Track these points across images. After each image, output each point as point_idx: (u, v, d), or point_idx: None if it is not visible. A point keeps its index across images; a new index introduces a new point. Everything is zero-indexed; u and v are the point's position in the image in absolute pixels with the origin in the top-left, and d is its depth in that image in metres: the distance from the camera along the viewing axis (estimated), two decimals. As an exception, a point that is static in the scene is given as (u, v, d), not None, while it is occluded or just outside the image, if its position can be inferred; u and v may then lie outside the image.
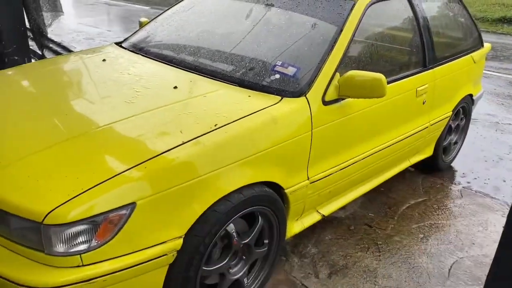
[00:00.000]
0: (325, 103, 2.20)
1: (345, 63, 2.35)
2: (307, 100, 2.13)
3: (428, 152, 3.45)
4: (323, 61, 2.25)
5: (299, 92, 2.15)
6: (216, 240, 1.82)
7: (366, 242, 2.73)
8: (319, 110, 2.16)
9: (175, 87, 2.15)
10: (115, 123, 1.83)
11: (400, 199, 3.28)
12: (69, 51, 6.93)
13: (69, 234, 1.47)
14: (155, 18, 3.10)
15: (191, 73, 2.32)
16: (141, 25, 3.20)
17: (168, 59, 2.49)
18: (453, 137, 3.77)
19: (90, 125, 1.82)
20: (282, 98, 2.10)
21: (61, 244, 1.47)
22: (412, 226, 2.94)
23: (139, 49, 2.70)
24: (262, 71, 2.28)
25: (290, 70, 2.25)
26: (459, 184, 3.58)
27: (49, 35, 7.32)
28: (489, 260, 2.62)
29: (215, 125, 1.84)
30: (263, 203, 1.96)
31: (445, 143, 3.64)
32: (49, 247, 1.47)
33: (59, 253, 1.48)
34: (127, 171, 1.57)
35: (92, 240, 1.50)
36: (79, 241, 1.49)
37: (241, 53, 2.43)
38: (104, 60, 2.53)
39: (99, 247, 1.51)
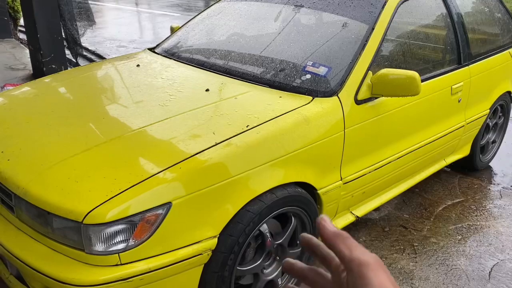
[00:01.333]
0: (358, 102, 2.17)
1: (378, 62, 2.32)
2: (339, 100, 2.12)
3: (464, 152, 3.36)
4: (355, 60, 2.23)
5: (331, 92, 2.14)
6: (250, 240, 1.83)
7: (402, 243, 2.68)
8: (352, 110, 2.14)
9: (207, 90, 2.18)
10: (149, 126, 1.87)
11: (436, 200, 3.20)
12: (103, 58, 7.15)
13: (107, 233, 1.51)
14: (185, 23, 3.15)
15: (222, 76, 2.35)
16: (173, 30, 3.26)
17: (200, 63, 2.52)
18: (491, 136, 3.65)
19: (126, 128, 1.87)
20: (313, 98, 2.09)
21: (100, 243, 1.51)
22: (449, 228, 2.86)
23: (171, 54, 2.75)
24: (293, 72, 2.28)
25: (322, 70, 2.24)
26: (498, 184, 3.47)
27: (83, 44, 7.56)
28: None
29: (247, 126, 1.85)
30: (296, 204, 1.96)
31: (482, 142, 3.53)
32: (89, 246, 1.51)
33: (98, 252, 1.52)
34: (162, 172, 1.60)
35: (129, 239, 1.54)
36: (117, 241, 1.53)
37: (271, 55, 2.44)
38: (138, 65, 2.59)
39: (136, 246, 1.54)
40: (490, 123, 3.55)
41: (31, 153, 1.81)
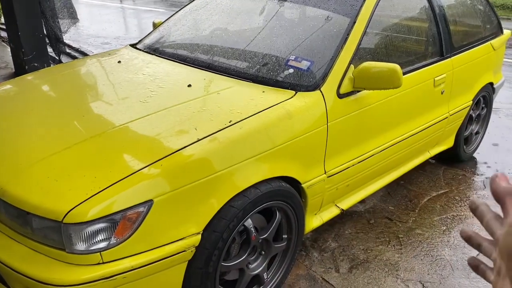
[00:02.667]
0: (340, 96, 2.18)
1: (360, 56, 2.32)
2: (322, 94, 2.12)
3: (448, 143, 3.39)
4: (336, 53, 2.23)
5: (313, 86, 2.14)
6: (234, 235, 1.82)
7: (387, 235, 2.70)
8: (334, 103, 2.15)
9: (189, 86, 2.17)
10: (130, 122, 1.86)
11: (421, 192, 3.23)
12: (86, 55, 7.07)
13: (88, 232, 1.49)
14: (168, 18, 3.12)
15: (205, 71, 2.33)
16: (155, 26, 3.23)
17: (182, 58, 2.50)
18: (474, 127, 3.69)
19: (107, 125, 1.85)
20: (296, 93, 2.09)
21: (81, 243, 1.50)
22: (434, 219, 2.89)
23: (153, 50, 2.72)
24: (276, 66, 2.27)
25: (304, 64, 2.24)
26: (482, 175, 3.51)
27: (66, 41, 7.46)
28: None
29: (229, 122, 1.84)
30: (280, 198, 1.96)
31: (466, 134, 3.56)
32: (69, 245, 1.50)
33: (79, 251, 1.50)
34: (143, 169, 1.59)
35: (111, 238, 1.52)
36: (98, 239, 1.51)
37: (254, 49, 2.43)
38: (119, 61, 2.56)
39: (118, 244, 1.53)
40: (474, 115, 3.58)
41: (10, 153, 1.78)
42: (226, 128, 1.81)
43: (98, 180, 1.55)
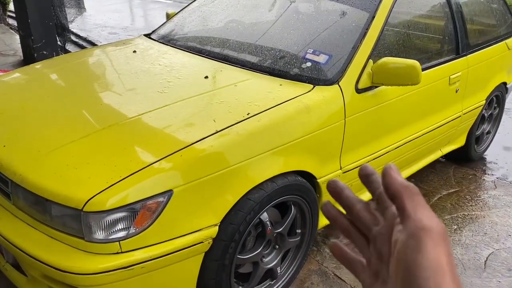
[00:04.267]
0: (358, 91, 2.16)
1: (377, 51, 2.30)
2: (340, 88, 2.10)
3: (460, 142, 3.37)
4: (355, 48, 2.21)
5: (332, 80, 2.12)
6: (250, 228, 1.81)
7: (398, 233, 2.69)
8: (352, 98, 2.13)
9: (206, 77, 2.15)
10: (149, 112, 1.84)
11: (431, 190, 3.21)
12: (94, 45, 7.05)
13: (108, 221, 1.48)
14: (182, 9, 3.10)
15: (221, 63, 2.31)
16: (169, 17, 3.21)
17: (197, 50, 2.48)
18: (485, 127, 3.67)
19: (124, 115, 1.84)
20: (314, 86, 2.07)
21: (101, 231, 1.49)
22: (445, 217, 2.87)
23: (168, 41, 2.70)
24: (293, 60, 2.26)
25: (322, 58, 2.22)
26: (492, 175, 3.49)
27: (74, 30, 7.44)
28: None
29: (247, 114, 1.83)
30: (296, 193, 1.95)
31: (477, 133, 3.54)
32: (89, 234, 1.49)
33: (98, 240, 1.50)
34: (163, 160, 1.58)
35: (130, 227, 1.51)
36: (118, 228, 1.51)
37: (270, 42, 2.41)
38: (134, 51, 2.55)
39: (137, 234, 1.52)
40: (486, 114, 3.56)
41: (27, 139, 1.77)
42: (245, 121, 1.80)
43: (119, 169, 1.54)
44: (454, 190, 3.23)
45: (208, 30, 2.75)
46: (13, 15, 6.67)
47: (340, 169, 2.18)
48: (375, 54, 2.27)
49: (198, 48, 2.51)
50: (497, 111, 3.73)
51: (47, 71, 2.45)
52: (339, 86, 2.10)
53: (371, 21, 2.30)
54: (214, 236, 1.68)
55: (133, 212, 1.50)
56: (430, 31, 2.87)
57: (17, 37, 6.64)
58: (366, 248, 0.43)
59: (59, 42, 6.19)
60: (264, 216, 1.87)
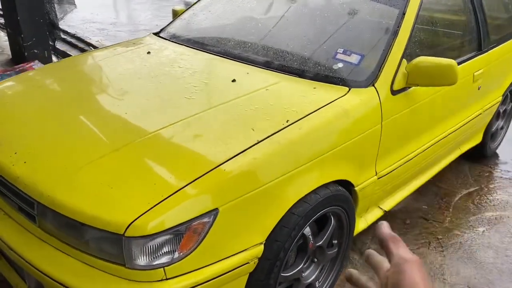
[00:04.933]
0: (393, 92, 2.05)
1: (408, 50, 2.19)
2: (376, 90, 1.99)
3: (477, 139, 3.31)
4: (388, 46, 2.10)
5: (367, 82, 2.01)
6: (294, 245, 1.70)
7: (426, 236, 2.61)
8: (388, 100, 2.02)
9: (234, 81, 2.01)
10: (182, 121, 1.70)
11: (451, 189, 3.14)
12: (83, 42, 6.79)
13: (152, 246, 1.35)
14: (192, 5, 2.95)
15: (246, 65, 2.18)
16: (176, 14, 3.05)
17: (217, 51, 2.34)
18: (500, 123, 3.61)
19: (157, 124, 1.69)
20: (350, 89, 1.96)
21: (143, 257, 1.35)
22: (469, 219, 2.80)
23: (182, 40, 2.55)
24: (323, 60, 2.13)
25: (354, 58, 2.10)
26: (508, 172, 3.44)
27: (62, 27, 7.17)
28: None
29: (287, 121, 1.71)
30: (337, 203, 1.84)
31: (493, 129, 3.49)
32: (130, 260, 1.35)
33: (141, 266, 1.36)
34: (206, 175, 1.44)
35: (175, 251, 1.38)
36: (161, 253, 1.37)
37: (297, 41, 2.28)
38: (148, 52, 2.39)
39: (182, 258, 1.39)
40: (501, 110, 3.50)
41: (49, 154, 1.61)
42: (285, 129, 1.68)
43: (159, 187, 1.40)
44: (474, 189, 3.17)
45: (225, 28, 2.60)
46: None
47: (376, 175, 2.08)
48: (406, 53, 2.17)
49: (217, 48, 2.36)
50: (510, 106, 3.68)
51: (58, 76, 2.28)
52: (375, 88, 1.99)
53: (402, 18, 2.19)
54: (260, 255, 1.56)
55: (178, 235, 1.37)
56: (454, 27, 2.78)
57: (2, 34, 6.36)
58: None
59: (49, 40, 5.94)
60: (307, 230, 1.75)
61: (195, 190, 1.40)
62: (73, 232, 1.42)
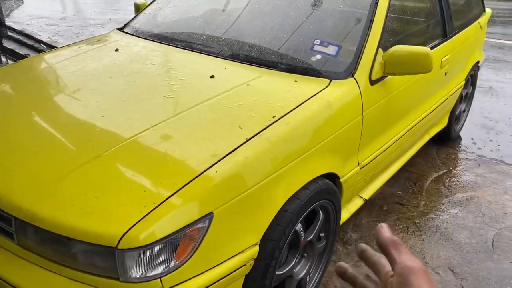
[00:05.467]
0: (372, 82, 2.06)
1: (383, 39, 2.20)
2: (356, 81, 1.98)
3: (444, 123, 3.41)
4: (364, 36, 2.10)
5: (347, 73, 1.99)
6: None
7: (404, 221, 2.66)
8: (367, 91, 2.02)
9: (212, 77, 1.95)
10: (164, 122, 1.62)
11: (422, 173, 3.22)
12: (33, 39, 6.45)
13: (147, 257, 1.28)
14: (156, -1, 2.83)
15: (222, 60, 2.11)
16: (139, 8, 2.92)
17: (190, 45, 2.26)
18: (462, 106, 3.74)
19: (138, 126, 1.60)
20: (330, 81, 1.94)
21: (138, 269, 1.28)
22: (442, 201, 2.89)
23: (151, 35, 2.44)
24: (301, 52, 2.10)
25: (332, 49, 2.08)
26: (472, 152, 3.57)
27: (8, 24, 6.78)
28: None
29: (273, 117, 1.67)
30: (325, 197, 1.82)
31: (457, 112, 3.60)
32: (124, 273, 1.28)
33: (136, 279, 1.29)
34: (197, 178, 1.38)
35: (171, 260, 1.32)
36: (157, 263, 1.30)
37: (274, 34, 2.23)
38: (117, 49, 2.27)
39: (179, 267, 1.33)
40: (463, 93, 3.62)
41: (23, 166, 1.49)
42: (273, 125, 1.64)
43: (149, 194, 1.33)
44: (443, 171, 3.26)
45: (196, 22, 2.51)
46: None
47: (358, 165, 2.08)
48: (381, 42, 2.17)
49: (190, 43, 2.28)
50: (471, 89, 3.81)
51: (19, 79, 2.13)
52: (355, 78, 1.98)
53: (375, 7, 2.19)
54: (255, 256, 1.52)
55: (173, 243, 1.31)
56: (422, 15, 2.83)
57: None
58: None
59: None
60: (298, 226, 1.73)
61: (188, 195, 1.34)
62: (58, 247, 1.32)
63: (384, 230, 0.52)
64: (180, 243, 1.32)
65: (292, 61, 2.06)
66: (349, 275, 0.56)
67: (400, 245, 0.50)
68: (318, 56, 2.07)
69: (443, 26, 2.88)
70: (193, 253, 1.35)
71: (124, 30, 2.63)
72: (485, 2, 3.80)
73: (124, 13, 8.47)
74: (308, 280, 1.96)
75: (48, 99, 1.88)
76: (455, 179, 3.16)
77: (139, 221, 1.26)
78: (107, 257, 1.27)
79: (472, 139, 3.80)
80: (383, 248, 0.51)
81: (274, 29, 2.27)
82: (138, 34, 2.51)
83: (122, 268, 1.27)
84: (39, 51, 5.79)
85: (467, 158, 3.48)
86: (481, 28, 3.55)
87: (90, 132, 1.60)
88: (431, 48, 2.68)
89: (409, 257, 0.48)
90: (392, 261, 0.49)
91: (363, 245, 0.56)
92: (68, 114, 1.74)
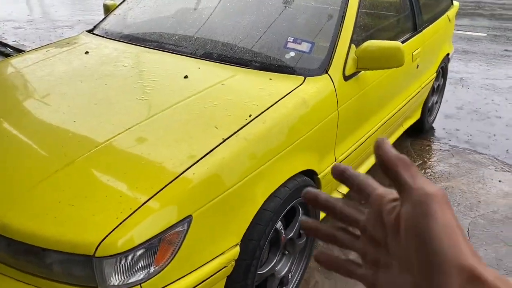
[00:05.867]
0: (346, 78, 2.07)
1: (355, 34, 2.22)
2: (330, 77, 1.99)
3: (417, 116, 3.46)
4: (337, 32, 2.11)
5: (321, 69, 2.00)
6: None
7: (382, 214, 2.69)
8: (342, 86, 2.04)
9: (186, 77, 1.92)
10: (139, 125, 1.59)
11: (397, 166, 3.27)
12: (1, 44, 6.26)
13: (126, 263, 1.25)
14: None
15: (196, 59, 2.09)
16: (109, 8, 2.87)
17: (162, 46, 2.22)
18: (434, 98, 3.81)
19: (111, 130, 1.56)
20: (305, 78, 1.94)
21: (117, 276, 1.26)
22: (418, 192, 2.93)
23: (121, 37, 2.40)
24: (275, 50, 2.10)
25: (305, 46, 2.09)
26: (446, 143, 3.64)
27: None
28: (499, 216, 2.69)
29: (249, 116, 1.66)
30: (304, 193, 1.82)
31: (429, 104, 3.66)
32: (103, 281, 1.25)
33: (115, 286, 1.26)
34: (175, 180, 1.36)
35: (151, 266, 1.29)
36: (136, 269, 1.28)
37: (247, 32, 2.22)
38: (87, 52, 2.22)
39: (159, 272, 1.31)
40: (435, 86, 3.68)
41: (-8, 175, 1.45)
42: (249, 124, 1.63)
43: (126, 200, 1.30)
44: (418, 163, 3.32)
45: (167, 22, 2.48)
46: None
47: (335, 160, 2.10)
48: (353, 38, 2.19)
49: (161, 44, 2.24)
50: (442, 81, 3.89)
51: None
52: (329, 75, 1.99)
53: (346, 3, 2.20)
54: (236, 257, 1.51)
55: (152, 248, 1.29)
56: (392, 9, 2.86)
57: None
58: (356, 242, 0.43)
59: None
60: (278, 224, 1.73)
61: (165, 198, 1.32)
62: (33, 259, 1.28)
63: (386, 144, 0.40)
64: (159, 248, 1.30)
65: (266, 59, 2.06)
66: (323, 200, 0.45)
67: (411, 166, 0.39)
68: (292, 54, 2.07)
69: (413, 20, 2.93)
70: (173, 257, 1.33)
71: (94, 32, 2.57)
72: (452, -5, 3.88)
73: (93, 13, 8.32)
74: (290, 277, 1.97)
75: (16, 105, 1.82)
76: (430, 170, 3.21)
77: (116, 227, 1.24)
78: (84, 266, 1.24)
79: (445, 130, 3.88)
80: (389, 168, 0.39)
81: (247, 27, 2.26)
82: (108, 35, 2.46)
83: (100, 276, 1.24)
84: (6, 55, 5.64)
85: (440, 149, 3.55)
86: (449, 20, 3.62)
87: (62, 138, 1.56)
88: (403, 42, 2.72)
89: (426, 181, 0.38)
90: (402, 185, 0.38)
91: (341, 165, 0.45)
92: (39, 120, 1.69)
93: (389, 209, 0.39)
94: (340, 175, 0.44)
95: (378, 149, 0.40)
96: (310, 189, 0.45)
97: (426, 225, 0.34)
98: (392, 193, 0.40)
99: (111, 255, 1.22)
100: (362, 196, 0.43)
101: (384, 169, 0.39)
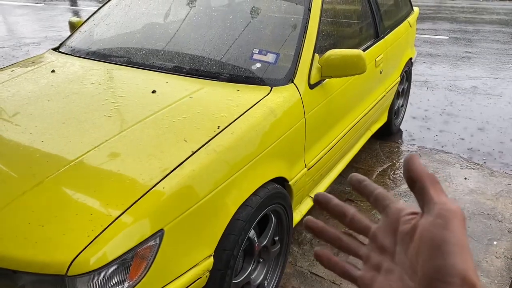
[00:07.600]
0: (311, 86, 2.13)
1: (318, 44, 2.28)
2: (296, 86, 2.05)
3: (384, 119, 3.56)
4: (300, 43, 2.17)
5: (286, 79, 2.05)
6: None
7: (354, 217, 2.75)
8: (307, 95, 2.09)
9: (154, 91, 1.94)
10: (107, 142, 1.60)
11: (368, 168, 3.35)
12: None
13: (99, 280, 1.26)
14: (92, 15, 2.78)
15: (163, 74, 2.11)
16: (74, 26, 2.86)
17: (129, 61, 2.24)
18: (400, 101, 3.92)
19: (80, 149, 1.57)
20: (271, 88, 1.99)
21: (91, 294, 1.26)
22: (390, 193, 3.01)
23: (88, 54, 2.40)
24: (242, 62, 2.14)
25: (270, 57, 2.14)
26: (413, 144, 3.76)
27: None
28: (465, 213, 2.79)
29: (218, 128, 1.69)
30: (276, 201, 1.86)
31: (395, 108, 3.77)
32: (77, 300, 1.25)
33: (89, 304, 1.26)
34: (145, 195, 1.38)
35: (124, 282, 1.30)
36: (110, 286, 1.29)
37: (212, 45, 2.26)
38: (53, 71, 2.21)
39: (133, 287, 1.32)
40: (400, 89, 3.80)
41: (-42, 199, 1.43)
42: (218, 135, 1.66)
43: (97, 217, 1.31)
44: (387, 165, 3.41)
45: (133, 37, 2.49)
46: None
47: (305, 167, 2.15)
48: (317, 47, 2.26)
49: (128, 59, 2.26)
50: (406, 85, 4.01)
51: None
52: (295, 84, 2.05)
53: (308, 14, 2.27)
54: (210, 267, 1.53)
55: (125, 264, 1.30)
56: (354, 17, 2.95)
57: None
58: (361, 249, 0.46)
59: None
60: (252, 233, 1.76)
61: (135, 214, 1.33)
62: (3, 281, 1.27)
63: (416, 161, 0.43)
64: (132, 263, 1.31)
65: (234, 71, 2.10)
66: (335, 205, 0.48)
67: (438, 183, 0.42)
68: (258, 65, 2.11)
69: (375, 27, 3.03)
70: (147, 272, 1.34)
71: (60, 50, 2.56)
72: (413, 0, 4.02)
73: (59, 29, 8.22)
74: (266, 285, 2.00)
75: (-18, 127, 1.80)
76: (399, 171, 3.31)
77: (87, 245, 1.24)
78: (57, 286, 1.24)
79: (411, 131, 3.99)
80: (418, 183, 0.42)
81: (213, 40, 2.30)
82: (74, 53, 2.46)
83: (73, 295, 1.24)
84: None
85: (408, 150, 3.66)
86: (410, 26, 3.76)
87: (30, 158, 1.56)
88: (365, 49, 2.81)
89: (449, 199, 0.41)
90: (427, 198, 0.41)
91: (360, 175, 0.48)
92: (6, 142, 1.68)
93: (406, 220, 0.42)
94: (357, 183, 0.48)
95: (409, 163, 0.43)
96: (322, 193, 0.48)
97: (443, 237, 0.37)
98: (411, 208, 0.43)
99: (84, 273, 1.23)
100: (378, 207, 0.46)
101: (410, 182, 0.43)
